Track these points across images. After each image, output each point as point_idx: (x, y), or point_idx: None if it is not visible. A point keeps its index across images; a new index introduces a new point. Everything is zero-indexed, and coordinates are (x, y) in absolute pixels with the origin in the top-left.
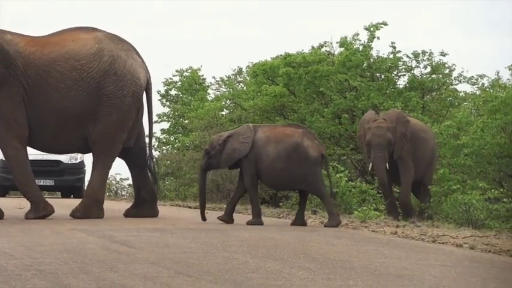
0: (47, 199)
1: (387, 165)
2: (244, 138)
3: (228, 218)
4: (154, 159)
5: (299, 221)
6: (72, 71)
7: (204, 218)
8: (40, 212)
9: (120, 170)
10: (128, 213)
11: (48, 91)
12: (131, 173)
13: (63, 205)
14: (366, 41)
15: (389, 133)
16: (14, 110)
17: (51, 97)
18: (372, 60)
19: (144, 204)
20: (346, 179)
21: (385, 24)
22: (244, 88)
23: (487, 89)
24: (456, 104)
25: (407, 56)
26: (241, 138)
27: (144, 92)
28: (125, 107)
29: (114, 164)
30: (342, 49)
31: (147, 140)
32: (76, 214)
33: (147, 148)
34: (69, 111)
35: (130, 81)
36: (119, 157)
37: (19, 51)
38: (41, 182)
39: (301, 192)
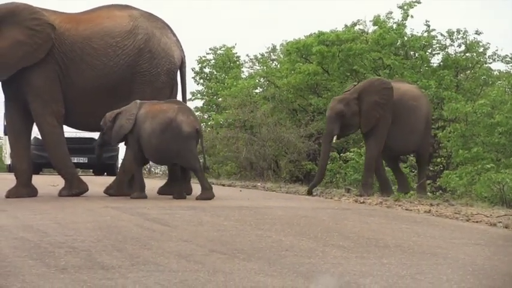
0: (84, 176)
1: (335, 138)
2: (129, 115)
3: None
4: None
5: (177, 195)
6: (107, 48)
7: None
8: (74, 189)
9: None
10: (162, 191)
11: (83, 68)
12: None
13: (97, 183)
14: (400, 20)
15: (340, 105)
16: (50, 87)
17: (86, 74)
18: (405, 38)
19: (177, 182)
20: None
21: (419, 2)
22: (278, 66)
23: None
24: (490, 82)
25: (442, 35)
26: (127, 115)
27: (178, 70)
28: (159, 84)
29: None
30: (376, 27)
31: None
32: (109, 191)
33: None
34: (104, 89)
35: (164, 59)
36: None
37: (55, 28)
38: (75, 160)
39: (178, 166)
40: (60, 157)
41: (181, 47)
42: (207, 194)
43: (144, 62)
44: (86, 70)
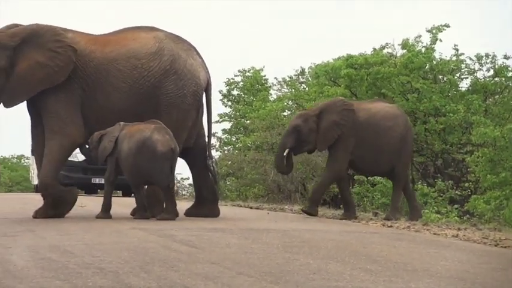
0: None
1: (286, 151)
2: (111, 137)
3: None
4: (213, 160)
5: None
6: (132, 70)
7: None
8: (50, 211)
9: (180, 169)
10: (189, 213)
11: (108, 90)
12: (192, 172)
13: (124, 204)
14: (429, 43)
15: (298, 120)
16: (70, 110)
17: (112, 96)
18: (434, 62)
19: (205, 204)
20: None
21: (448, 26)
22: (306, 89)
23: None
24: None
25: (470, 59)
26: (109, 137)
27: (204, 93)
28: (185, 106)
29: None
30: (404, 51)
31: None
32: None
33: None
34: (130, 110)
35: (190, 80)
36: (180, 157)
37: (80, 49)
38: (96, 180)
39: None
40: (52, 177)
41: (206, 68)
42: (170, 215)
43: (169, 84)
44: (111, 92)
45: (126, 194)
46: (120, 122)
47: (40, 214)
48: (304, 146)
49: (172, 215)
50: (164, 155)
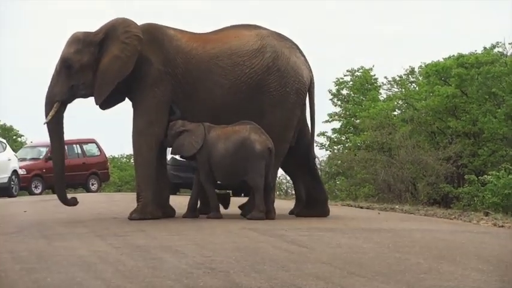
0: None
1: None
2: (198, 137)
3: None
4: (315, 159)
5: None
6: (234, 67)
7: None
8: (145, 214)
9: None
10: (299, 213)
11: (210, 87)
12: (296, 173)
13: (234, 203)
14: None
15: None
16: (159, 109)
17: (214, 93)
18: None
19: (315, 204)
20: None
21: None
22: (417, 88)
23: None
24: None
25: None
26: (196, 137)
27: (307, 91)
28: (289, 104)
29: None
30: None
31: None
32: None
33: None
34: (231, 108)
35: (293, 78)
36: (286, 156)
37: (181, 46)
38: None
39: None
40: (145, 179)
41: (309, 67)
42: (257, 215)
43: (272, 81)
44: (213, 89)
45: (235, 193)
46: (202, 123)
47: (134, 216)
48: None
49: (260, 215)
50: (261, 154)
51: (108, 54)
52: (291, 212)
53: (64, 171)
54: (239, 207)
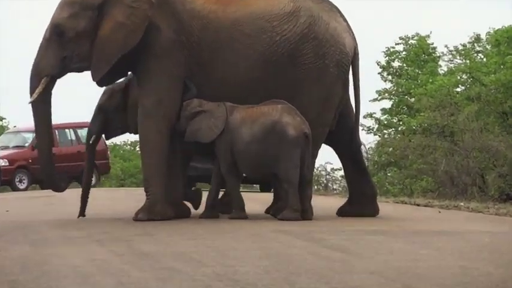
0: (245, 193)
1: None
2: (219, 119)
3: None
4: (362, 146)
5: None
6: (262, 34)
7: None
8: (153, 215)
9: (331, 158)
10: (342, 211)
11: (231, 59)
12: (342, 162)
13: (262, 201)
14: None
15: None
16: (171, 85)
17: (236, 66)
18: None
19: (361, 201)
20: None
21: None
22: (484, 60)
23: None
24: None
25: None
26: (216, 119)
27: (350, 63)
28: (328, 80)
29: (321, 151)
30: None
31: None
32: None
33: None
34: (258, 84)
35: (333, 48)
36: (326, 143)
37: (196, 10)
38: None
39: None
40: (154, 171)
41: (353, 34)
42: (290, 215)
43: (308, 52)
44: (235, 61)
45: (264, 189)
46: (223, 103)
47: (140, 217)
48: None
49: (294, 215)
50: (295, 140)
51: (110, 20)
52: (340, 213)
53: (52, 156)
54: (266, 210)
